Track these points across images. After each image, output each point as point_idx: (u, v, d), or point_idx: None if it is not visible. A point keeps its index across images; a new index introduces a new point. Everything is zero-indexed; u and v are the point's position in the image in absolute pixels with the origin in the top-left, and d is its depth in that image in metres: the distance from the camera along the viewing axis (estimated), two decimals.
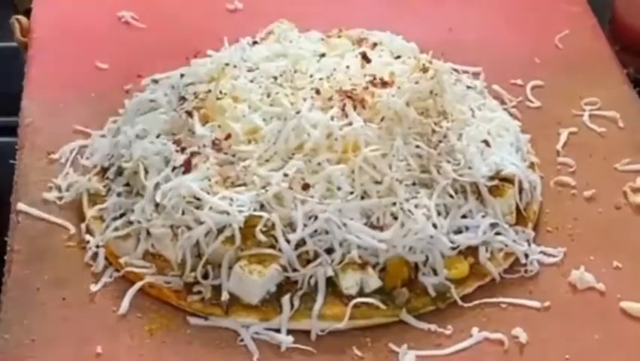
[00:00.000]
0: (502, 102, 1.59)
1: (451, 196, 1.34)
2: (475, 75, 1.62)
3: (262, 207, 1.29)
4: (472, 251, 1.33)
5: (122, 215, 1.36)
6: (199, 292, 1.29)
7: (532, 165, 1.47)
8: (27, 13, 1.79)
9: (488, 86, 1.59)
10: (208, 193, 1.30)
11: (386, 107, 1.37)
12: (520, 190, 1.40)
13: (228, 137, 1.36)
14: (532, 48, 1.72)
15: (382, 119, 1.36)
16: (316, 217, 1.29)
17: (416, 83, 1.39)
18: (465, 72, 1.62)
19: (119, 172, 1.41)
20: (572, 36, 1.74)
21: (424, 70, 1.41)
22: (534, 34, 1.76)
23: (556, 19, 1.78)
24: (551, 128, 1.57)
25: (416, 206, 1.31)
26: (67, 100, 1.59)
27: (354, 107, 1.37)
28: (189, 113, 1.40)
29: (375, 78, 1.42)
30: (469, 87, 1.53)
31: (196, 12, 1.79)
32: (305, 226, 1.28)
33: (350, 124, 1.35)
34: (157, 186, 1.33)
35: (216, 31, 1.70)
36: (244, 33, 1.61)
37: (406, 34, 1.62)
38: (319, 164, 1.32)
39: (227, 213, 1.28)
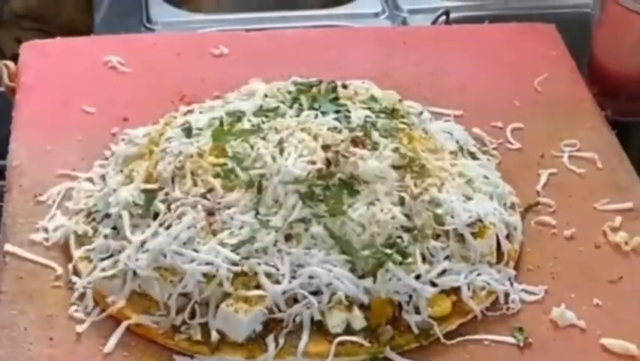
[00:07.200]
0: (483, 144, 1.61)
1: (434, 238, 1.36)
2: (457, 117, 1.64)
3: (248, 258, 1.31)
4: (454, 289, 1.34)
5: (109, 256, 1.37)
6: (186, 331, 1.29)
7: (512, 206, 1.49)
8: (14, 58, 1.80)
9: (469, 129, 1.61)
10: (196, 240, 1.32)
11: (369, 172, 1.38)
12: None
13: (211, 190, 1.38)
14: (512, 91, 1.74)
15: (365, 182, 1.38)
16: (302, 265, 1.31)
17: (395, 150, 1.42)
18: (446, 115, 1.65)
19: (106, 215, 1.42)
20: (551, 79, 1.76)
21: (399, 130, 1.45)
22: (514, 78, 1.78)
23: (536, 63, 1.80)
24: (532, 169, 1.58)
25: (400, 254, 1.33)
26: (55, 143, 1.60)
27: (337, 165, 1.39)
28: (172, 179, 1.40)
29: (357, 137, 1.43)
30: (449, 133, 1.55)
31: (182, 57, 1.81)
32: (292, 277, 1.30)
33: (334, 183, 1.36)
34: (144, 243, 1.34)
35: (202, 75, 1.73)
36: (229, 78, 1.63)
37: (388, 79, 1.64)
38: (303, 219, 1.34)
39: (214, 265, 1.30)
